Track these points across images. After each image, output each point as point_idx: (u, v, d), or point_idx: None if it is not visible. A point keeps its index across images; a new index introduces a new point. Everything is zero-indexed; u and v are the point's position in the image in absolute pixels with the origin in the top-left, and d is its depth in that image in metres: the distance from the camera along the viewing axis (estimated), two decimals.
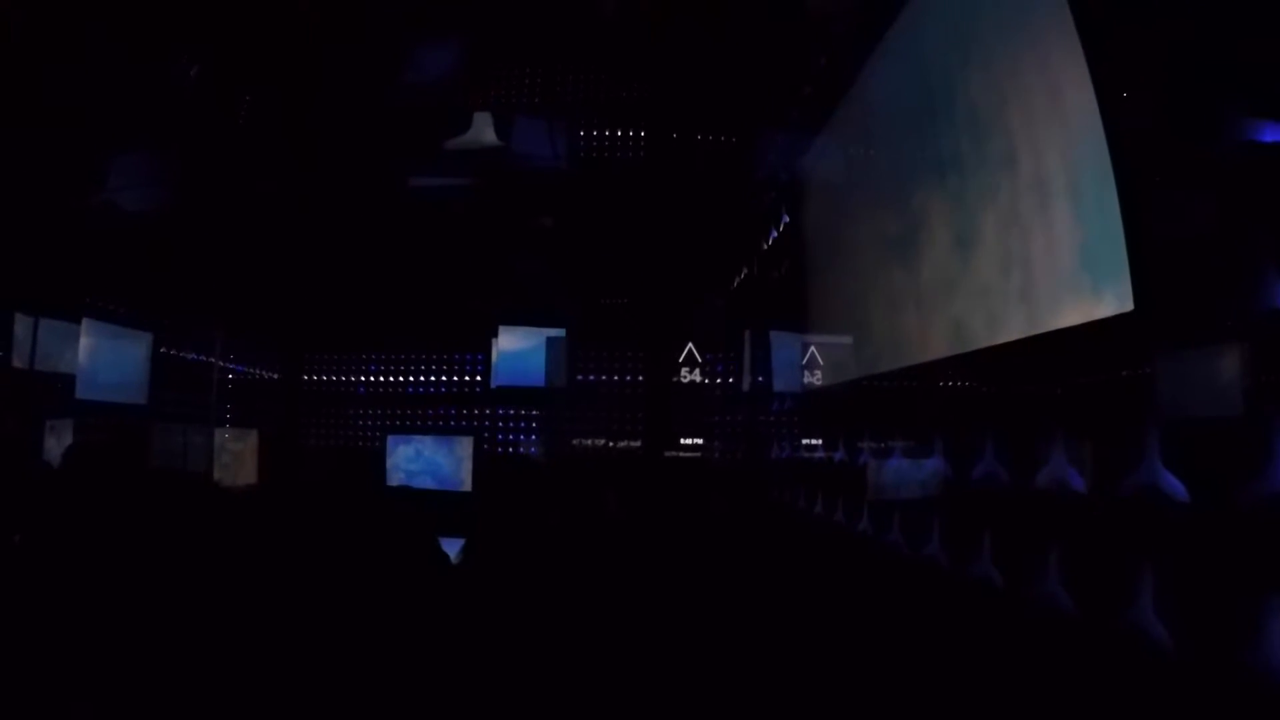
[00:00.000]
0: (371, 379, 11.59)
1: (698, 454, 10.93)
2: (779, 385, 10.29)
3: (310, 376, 11.63)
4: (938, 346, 5.58)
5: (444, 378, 11.57)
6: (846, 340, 8.87)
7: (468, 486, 11.21)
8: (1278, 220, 3.12)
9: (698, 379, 10.90)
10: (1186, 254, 3.37)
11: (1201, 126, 3.45)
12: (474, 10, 11.07)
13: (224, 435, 10.82)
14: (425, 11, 11.03)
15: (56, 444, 8.28)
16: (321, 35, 10.69)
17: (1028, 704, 3.92)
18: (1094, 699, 3.53)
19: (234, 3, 9.51)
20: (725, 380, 11.00)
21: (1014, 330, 4.47)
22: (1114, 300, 3.53)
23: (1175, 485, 3.28)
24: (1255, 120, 3.27)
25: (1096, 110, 3.70)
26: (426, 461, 11.27)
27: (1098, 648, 3.61)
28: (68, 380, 8.51)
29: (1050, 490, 3.92)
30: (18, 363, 7.99)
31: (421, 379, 11.57)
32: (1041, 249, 4.17)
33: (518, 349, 11.21)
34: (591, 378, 11.28)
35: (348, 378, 11.60)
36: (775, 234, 10.46)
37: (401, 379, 11.60)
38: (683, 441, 10.95)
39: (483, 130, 11.25)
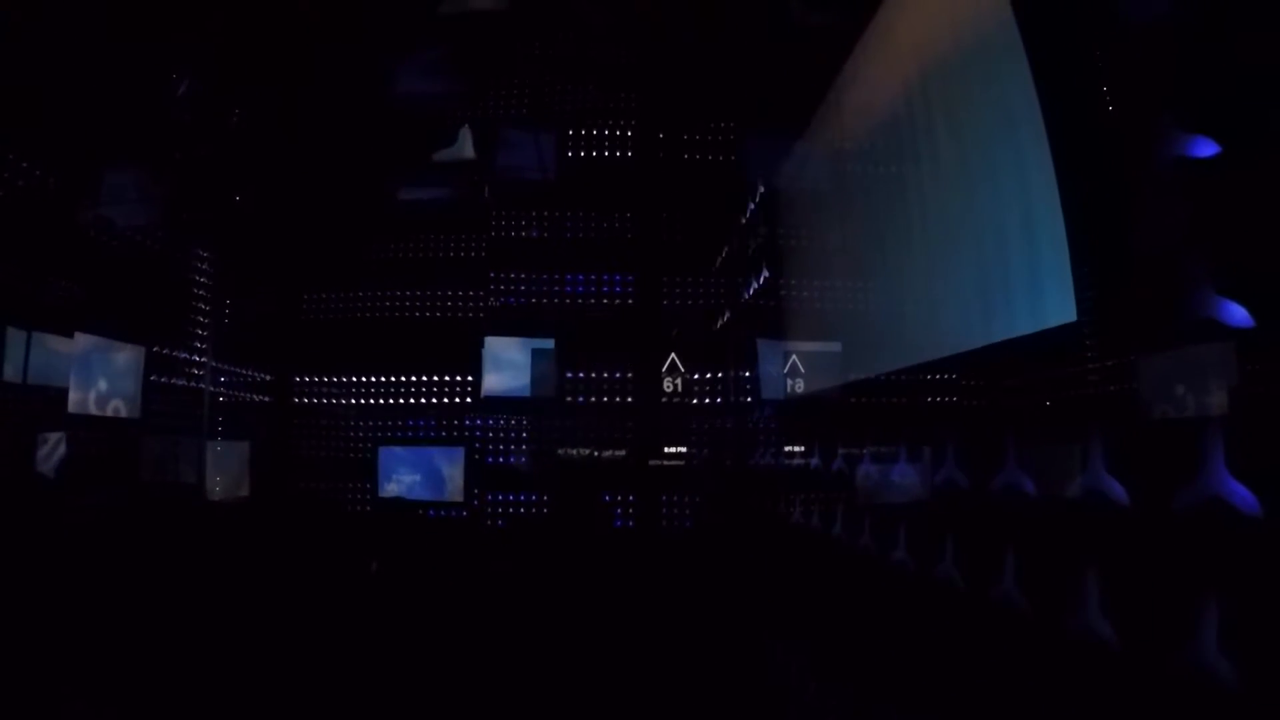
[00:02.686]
0: (361, 391, 11.67)
1: (682, 462, 11.03)
2: (762, 393, 10.42)
3: (301, 388, 11.72)
4: (900, 357, 5.73)
5: (434, 389, 11.66)
6: (828, 348, 9.02)
7: (459, 497, 11.31)
8: (1210, 240, 3.27)
9: (681, 388, 11.00)
10: (1127, 269, 3.52)
11: (1140, 155, 3.61)
12: (466, 21, 11.22)
13: (216, 447, 10.90)
14: (420, 22, 11.19)
15: (48, 457, 8.38)
16: (317, 44, 10.84)
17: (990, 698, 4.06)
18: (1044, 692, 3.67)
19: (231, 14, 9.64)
20: (711, 388, 11.10)
21: (974, 339, 4.63)
22: (1059, 312, 3.69)
23: (1117, 489, 3.43)
24: (1189, 142, 3.42)
25: (1046, 140, 3.86)
26: (418, 472, 11.38)
27: (1048, 643, 3.75)
28: (60, 394, 8.58)
29: (1002, 493, 4.06)
30: (10, 376, 8.07)
31: (411, 390, 11.66)
32: (995, 262, 4.33)
33: (505, 359, 11.32)
34: (579, 387, 11.37)
35: (338, 390, 11.68)
36: (757, 245, 10.61)
37: (392, 390, 11.68)
38: (668, 450, 11.05)
39: (471, 141, 11.38)
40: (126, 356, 9.34)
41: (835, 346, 8.03)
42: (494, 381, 11.35)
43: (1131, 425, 3.55)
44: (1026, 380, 4.28)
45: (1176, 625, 3.15)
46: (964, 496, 4.95)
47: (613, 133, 11.52)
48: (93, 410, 8.92)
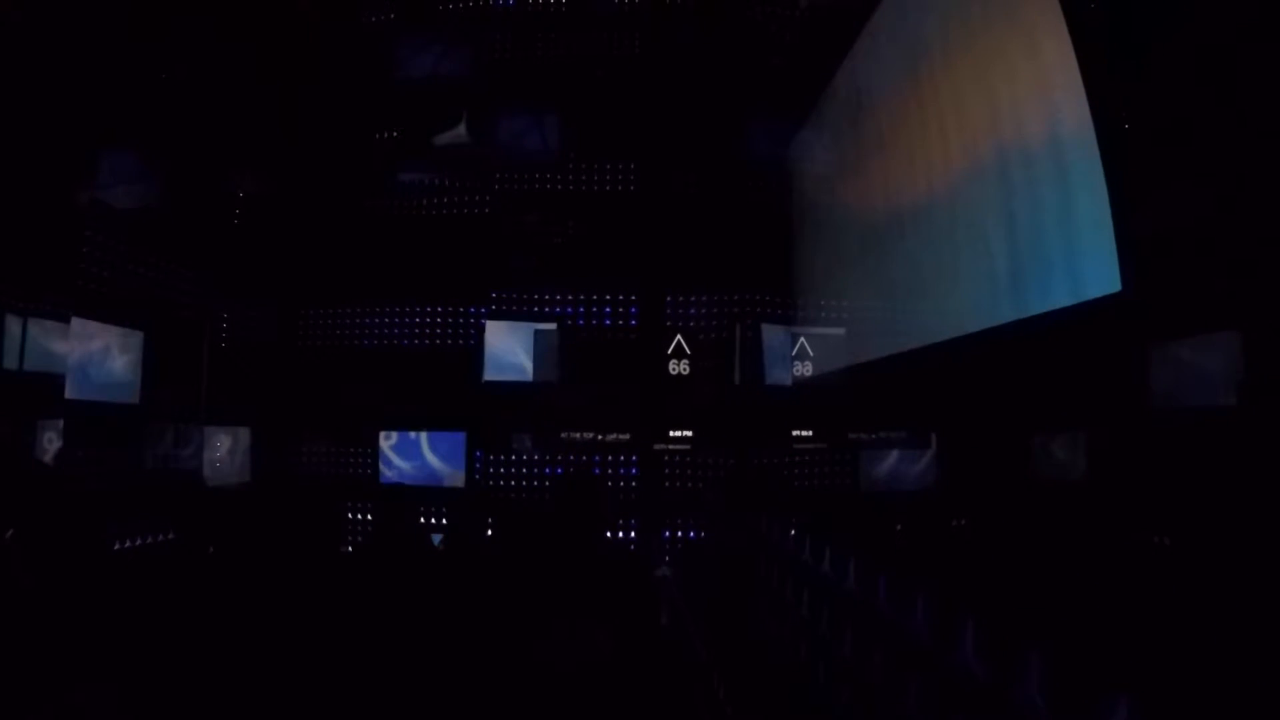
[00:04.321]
0: (363, 374, 11.55)
1: (688, 446, 10.91)
2: (769, 376, 10.32)
3: (302, 378, 11.60)
4: (928, 332, 5.62)
5: (435, 372, 11.54)
6: (835, 331, 8.92)
7: (461, 482, 11.22)
8: (1261, 212, 3.17)
9: (686, 371, 10.87)
10: (1173, 238, 3.41)
11: (1185, 119, 3.50)
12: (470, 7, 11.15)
13: (216, 433, 10.79)
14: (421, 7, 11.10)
15: (48, 444, 8.27)
16: (318, 23, 10.75)
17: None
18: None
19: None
20: (716, 371, 10.97)
21: (1005, 314, 4.50)
22: (1102, 283, 3.57)
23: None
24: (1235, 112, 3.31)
25: (1085, 99, 3.73)
26: (420, 457, 11.28)
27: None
28: (57, 380, 8.46)
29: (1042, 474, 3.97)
30: (7, 363, 7.96)
31: (413, 374, 11.53)
32: (1030, 233, 4.20)
33: (507, 342, 11.20)
34: (581, 370, 11.25)
35: (339, 376, 11.56)
36: (765, 224, 10.50)
37: (392, 374, 11.56)
38: (672, 434, 10.93)
39: (472, 122, 11.28)
40: (125, 341, 9.21)
41: (852, 328, 7.93)
42: (495, 366, 11.23)
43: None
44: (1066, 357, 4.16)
45: None
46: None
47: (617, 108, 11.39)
48: (91, 396, 8.80)
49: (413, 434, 11.36)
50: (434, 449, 11.30)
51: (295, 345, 11.58)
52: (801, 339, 10.02)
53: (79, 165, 8.69)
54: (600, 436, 11.15)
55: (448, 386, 11.34)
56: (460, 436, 11.30)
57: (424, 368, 11.43)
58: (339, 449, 11.52)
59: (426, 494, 11.06)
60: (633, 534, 10.82)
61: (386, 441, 11.35)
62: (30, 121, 7.82)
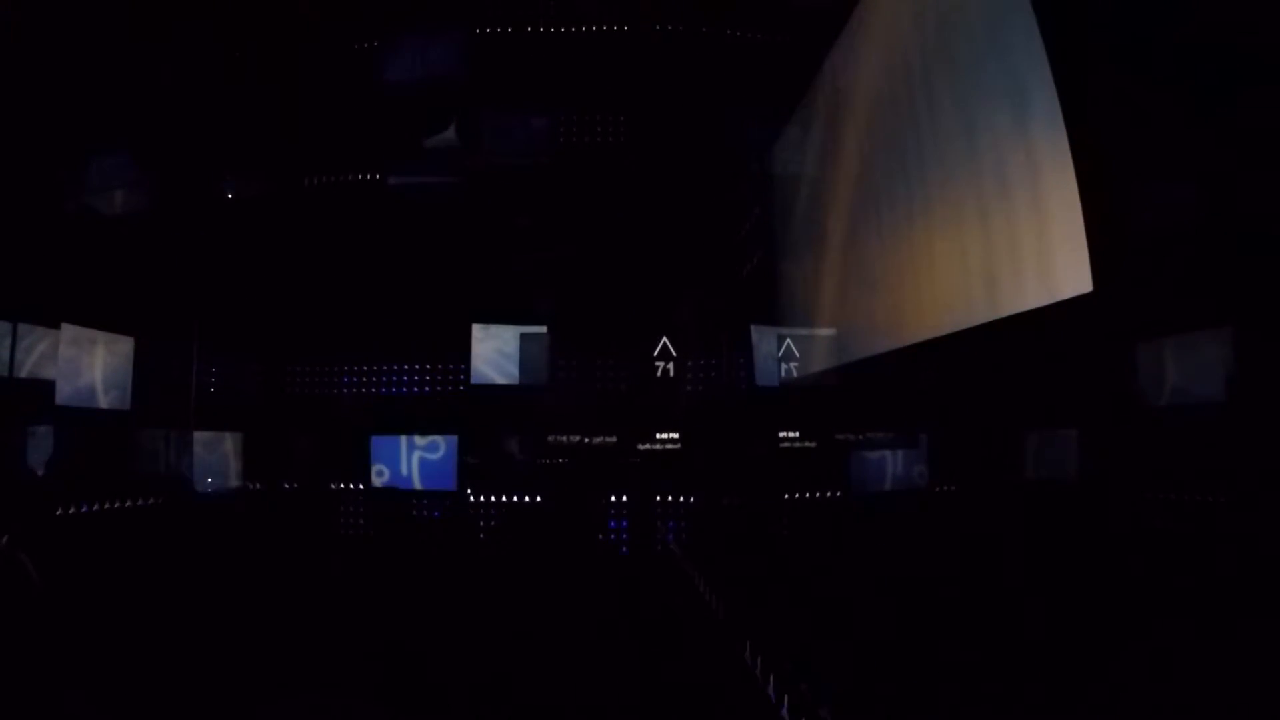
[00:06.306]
0: (352, 380, 11.56)
1: (676, 446, 10.92)
2: (757, 378, 10.37)
3: (292, 379, 11.59)
4: (906, 333, 5.69)
5: (424, 376, 11.56)
6: (819, 332, 8.99)
7: (452, 485, 11.21)
8: (1234, 211, 3.25)
9: (673, 372, 10.90)
10: (1145, 239, 3.49)
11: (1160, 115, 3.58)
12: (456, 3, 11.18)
13: (205, 439, 10.78)
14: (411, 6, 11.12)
15: (38, 450, 8.28)
16: (308, 26, 10.77)
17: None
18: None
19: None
20: (704, 373, 11.01)
21: (980, 314, 4.57)
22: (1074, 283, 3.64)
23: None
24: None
25: (1057, 103, 3.80)
26: (409, 462, 11.27)
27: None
28: (47, 386, 8.45)
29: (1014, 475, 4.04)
30: None
31: (402, 378, 11.55)
32: (1004, 234, 4.27)
33: (495, 346, 11.19)
34: (569, 374, 11.27)
35: (328, 381, 11.56)
36: (749, 226, 10.55)
37: (382, 379, 11.57)
38: (659, 435, 10.95)
39: (461, 127, 11.28)
40: (116, 347, 9.22)
41: (840, 328, 8.00)
42: (483, 369, 11.22)
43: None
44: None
45: None
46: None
47: (604, 119, 11.45)
48: (81, 402, 8.79)
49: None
50: (426, 453, 11.28)
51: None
52: (788, 340, 10.07)
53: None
54: (587, 440, 11.15)
55: (438, 390, 11.36)
56: (451, 440, 11.25)
57: (412, 371, 11.46)
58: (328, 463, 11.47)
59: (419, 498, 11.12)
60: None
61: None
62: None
